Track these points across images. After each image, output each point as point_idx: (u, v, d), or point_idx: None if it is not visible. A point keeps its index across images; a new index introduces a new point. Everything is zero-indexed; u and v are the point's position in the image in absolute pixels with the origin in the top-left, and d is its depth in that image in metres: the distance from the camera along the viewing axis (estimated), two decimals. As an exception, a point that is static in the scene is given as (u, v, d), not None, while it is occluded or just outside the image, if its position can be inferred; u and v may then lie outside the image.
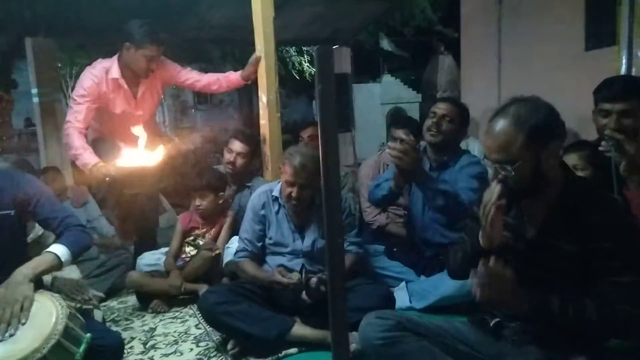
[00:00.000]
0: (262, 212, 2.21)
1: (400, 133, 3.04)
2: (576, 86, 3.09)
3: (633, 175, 1.88)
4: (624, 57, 2.91)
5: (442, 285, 2.19)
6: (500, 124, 1.33)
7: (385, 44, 9.19)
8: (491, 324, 1.49)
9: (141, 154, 2.60)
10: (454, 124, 2.44)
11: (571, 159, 2.08)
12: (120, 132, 2.92)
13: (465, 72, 4.07)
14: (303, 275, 2.01)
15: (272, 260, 2.20)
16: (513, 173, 1.31)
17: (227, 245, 2.65)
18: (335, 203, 0.79)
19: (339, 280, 0.82)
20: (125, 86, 2.86)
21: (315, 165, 2.02)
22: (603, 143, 1.86)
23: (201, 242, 2.73)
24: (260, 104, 2.65)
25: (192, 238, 2.76)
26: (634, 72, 2.89)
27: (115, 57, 2.85)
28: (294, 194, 2.08)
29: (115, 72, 2.81)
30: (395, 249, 2.63)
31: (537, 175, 1.33)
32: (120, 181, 2.72)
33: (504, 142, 1.32)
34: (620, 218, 1.32)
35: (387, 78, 9.49)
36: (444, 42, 8.77)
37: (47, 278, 1.85)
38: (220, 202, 2.77)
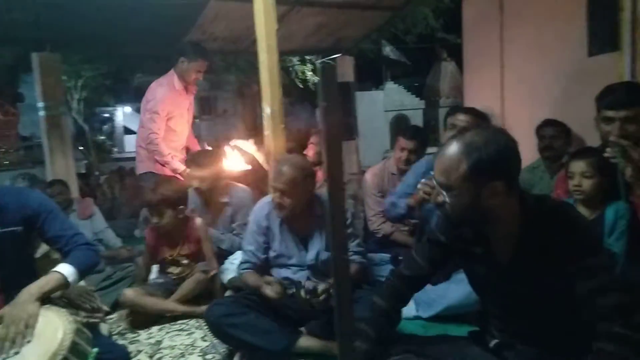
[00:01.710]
0: (265, 223, 2.20)
1: (408, 144, 3.04)
2: (579, 92, 3.09)
3: (639, 181, 1.87)
4: (627, 62, 2.90)
5: (449, 294, 2.18)
6: (450, 148, 1.27)
7: (388, 52, 9.24)
8: (491, 345, 1.48)
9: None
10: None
11: (578, 166, 2.08)
12: (175, 142, 3.43)
13: (468, 79, 4.07)
14: (300, 289, 1.96)
15: (277, 273, 2.19)
16: (447, 200, 1.27)
17: (231, 261, 2.65)
18: (340, 221, 0.79)
19: (346, 293, 0.82)
20: (185, 95, 3.39)
21: (298, 173, 2.03)
22: (608, 149, 1.85)
23: (183, 261, 2.64)
24: (264, 115, 2.66)
25: (170, 256, 2.65)
26: (637, 78, 2.88)
27: (172, 72, 3.39)
28: (275, 200, 2.09)
29: (178, 83, 3.37)
30: (400, 258, 2.62)
31: (476, 209, 1.26)
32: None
33: (447, 167, 1.26)
34: (587, 235, 1.28)
35: (390, 85, 9.52)
36: (447, 49, 8.81)
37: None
38: (181, 216, 2.59)
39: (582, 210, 2.10)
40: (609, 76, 2.93)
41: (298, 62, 9.68)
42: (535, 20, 3.38)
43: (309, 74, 9.72)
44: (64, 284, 1.62)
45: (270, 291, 1.98)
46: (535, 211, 1.30)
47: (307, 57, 9.32)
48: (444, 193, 1.28)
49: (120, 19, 3.93)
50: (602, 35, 3.01)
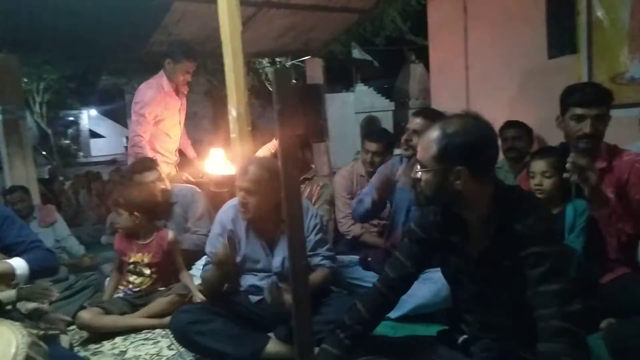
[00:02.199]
0: (230, 226, 2.15)
1: (373, 146, 3.07)
2: (541, 93, 3.18)
3: (596, 206, 1.93)
4: (584, 64, 3.01)
5: (417, 294, 2.19)
6: (431, 130, 1.37)
7: (357, 53, 9.30)
8: (459, 341, 1.50)
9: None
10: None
11: (538, 166, 2.12)
12: (168, 144, 3.44)
13: (434, 80, 4.14)
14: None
15: (243, 280, 2.15)
16: (419, 176, 1.37)
17: (198, 267, 2.60)
18: (297, 225, 0.78)
19: (305, 299, 0.81)
20: (176, 97, 3.35)
21: (264, 172, 1.99)
22: (567, 165, 1.85)
23: (146, 271, 2.56)
24: (230, 117, 2.63)
25: (133, 265, 2.58)
26: (594, 78, 2.98)
27: (161, 73, 3.35)
28: (239, 199, 2.05)
29: (167, 85, 3.33)
30: (369, 259, 2.63)
31: (445, 190, 1.34)
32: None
33: (423, 147, 1.38)
34: (543, 223, 1.31)
35: (360, 87, 9.57)
36: (415, 51, 8.92)
37: (9, 294, 1.77)
38: (137, 222, 2.54)
39: (543, 208, 2.15)
40: (569, 78, 3.03)
41: (268, 64, 9.63)
42: (497, 24, 3.46)
43: (279, 76, 9.67)
44: (10, 273, 1.55)
45: (218, 251, 1.94)
46: (506, 199, 1.37)
47: (278, 59, 9.29)
48: (420, 170, 1.37)
49: (83, 20, 3.82)
50: (561, 38, 3.11)
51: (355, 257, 2.68)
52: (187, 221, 3.00)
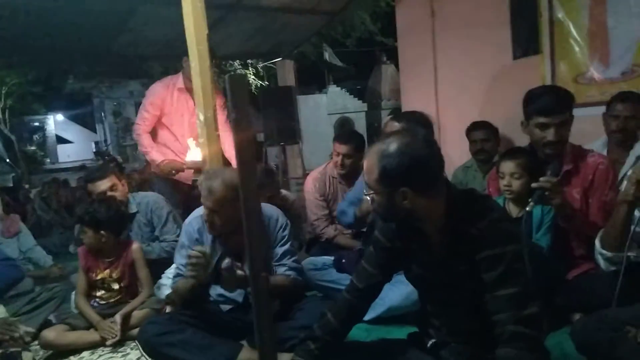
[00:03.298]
0: (197, 237, 2.10)
1: (343, 148, 3.05)
2: (507, 93, 3.24)
3: (562, 220, 1.98)
4: (547, 64, 3.08)
5: (389, 296, 2.19)
6: (370, 152, 1.37)
7: (328, 56, 9.33)
8: (428, 345, 1.51)
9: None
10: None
11: (507, 167, 2.14)
12: (173, 142, 3.44)
13: (404, 81, 4.17)
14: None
15: (213, 290, 2.11)
16: (369, 198, 1.38)
17: (168, 276, 2.54)
18: (257, 239, 0.76)
19: (266, 310, 0.79)
20: (188, 95, 3.33)
21: (228, 191, 1.91)
22: (534, 185, 1.89)
23: (114, 286, 2.48)
24: (197, 122, 2.58)
25: (99, 280, 2.47)
26: (557, 78, 3.06)
27: (180, 72, 3.41)
28: (205, 218, 2.00)
29: (180, 82, 3.37)
30: (344, 261, 2.62)
31: (395, 209, 1.35)
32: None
33: (367, 170, 1.38)
34: (496, 225, 1.31)
35: (332, 89, 9.60)
36: (386, 52, 9.01)
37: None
38: (103, 240, 2.43)
39: (512, 207, 2.19)
40: (534, 77, 3.11)
41: (240, 66, 9.57)
42: (464, 26, 3.52)
43: (251, 77, 9.64)
44: None
45: (194, 254, 1.86)
46: (459, 205, 1.37)
47: (249, 61, 9.24)
48: (368, 193, 1.38)
49: (45, 23, 3.71)
50: (525, 39, 3.18)
51: (329, 259, 2.66)
52: (155, 229, 2.92)
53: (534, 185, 1.90)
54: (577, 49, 2.96)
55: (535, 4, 3.08)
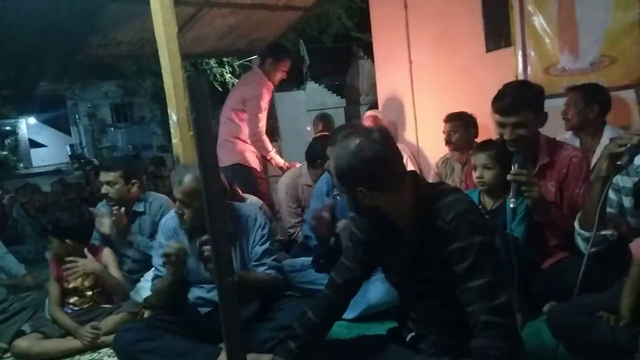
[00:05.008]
0: (174, 237, 2.07)
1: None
2: (481, 85, 3.27)
3: (537, 214, 2.00)
4: (519, 57, 3.12)
5: (369, 293, 2.19)
6: (330, 154, 1.41)
7: (302, 52, 9.30)
8: (407, 339, 1.51)
9: None
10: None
11: (479, 159, 2.16)
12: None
13: (380, 76, 4.18)
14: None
15: (191, 294, 2.08)
16: (343, 193, 1.44)
17: (147, 278, 2.49)
18: (222, 241, 0.74)
19: (233, 317, 0.77)
20: (269, 93, 3.65)
21: (197, 184, 1.89)
22: (509, 177, 1.91)
23: (88, 293, 2.42)
24: (170, 122, 2.54)
25: (72, 287, 2.42)
26: (529, 70, 3.10)
27: (259, 72, 3.72)
28: (176, 210, 1.99)
29: (265, 82, 3.64)
30: (322, 261, 2.61)
31: (362, 206, 1.39)
32: None
33: (333, 172, 1.40)
34: (463, 217, 1.31)
35: (311, 85, 9.55)
36: (362, 47, 9.01)
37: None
38: (70, 249, 2.37)
39: (487, 199, 2.21)
40: (506, 70, 3.14)
41: (216, 65, 9.46)
42: (437, 19, 3.53)
43: (228, 76, 9.54)
44: None
45: (171, 250, 1.86)
46: (427, 199, 1.38)
47: (225, 59, 9.14)
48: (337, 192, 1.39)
49: (13, 25, 3.60)
50: (497, 32, 3.21)
51: (308, 260, 2.65)
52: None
53: (509, 177, 1.92)
54: (547, 40, 3.00)
55: (506, -3, 3.11)
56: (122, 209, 2.70)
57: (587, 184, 2.03)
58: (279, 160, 3.73)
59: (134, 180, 2.75)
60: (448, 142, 3.22)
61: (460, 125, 3.16)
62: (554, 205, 2.05)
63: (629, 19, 2.63)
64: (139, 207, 2.80)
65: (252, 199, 3.14)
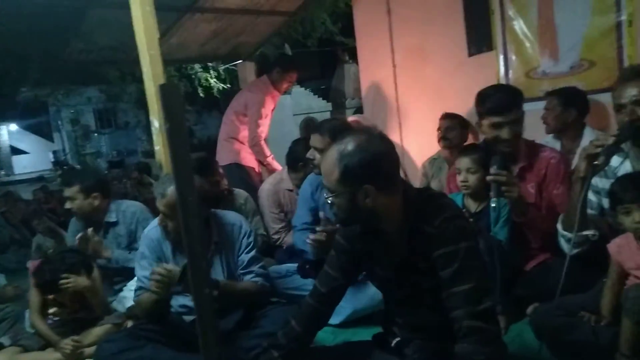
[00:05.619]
0: (158, 247, 2.05)
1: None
2: (464, 89, 3.29)
3: (517, 214, 2.03)
4: (501, 61, 3.15)
5: (354, 298, 2.19)
6: (328, 154, 1.35)
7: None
8: (393, 344, 1.51)
9: None
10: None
11: (463, 163, 2.18)
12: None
13: (364, 80, 4.19)
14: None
15: (175, 301, 2.05)
16: (331, 201, 1.35)
17: (130, 288, 2.46)
18: (198, 252, 0.73)
19: (211, 329, 0.76)
20: (272, 100, 3.83)
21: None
22: (489, 178, 1.94)
23: (69, 304, 2.34)
24: (152, 129, 2.51)
25: (52, 297, 2.34)
26: (510, 74, 3.13)
27: (266, 79, 3.89)
28: (159, 222, 1.98)
29: (271, 90, 3.84)
30: (307, 266, 2.60)
31: (357, 209, 1.33)
32: None
33: (326, 172, 1.35)
34: (449, 223, 1.32)
35: (297, 89, 9.56)
36: (348, 51, 9.05)
37: None
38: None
39: (470, 202, 2.22)
40: (488, 74, 3.17)
41: (201, 70, 9.41)
42: (420, 23, 3.56)
43: (213, 80, 9.50)
44: None
45: (161, 272, 1.81)
46: (415, 204, 1.38)
47: (210, 65, 9.10)
48: (329, 195, 1.35)
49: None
50: (478, 36, 3.24)
51: (293, 266, 2.63)
52: (136, 240, 2.74)
53: (488, 178, 1.94)
54: (528, 44, 3.04)
55: (487, 2, 3.15)
56: (91, 229, 2.60)
57: (566, 185, 2.06)
58: (276, 165, 3.81)
59: (94, 194, 2.67)
60: (443, 138, 3.23)
61: (457, 124, 3.20)
62: (533, 206, 2.07)
63: (606, 24, 2.68)
64: (111, 217, 2.73)
65: (239, 191, 3.16)
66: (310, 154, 2.43)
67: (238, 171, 3.81)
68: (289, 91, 10.00)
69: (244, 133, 3.87)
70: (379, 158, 1.31)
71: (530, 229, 2.09)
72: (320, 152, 2.38)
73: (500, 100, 2.05)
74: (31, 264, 2.45)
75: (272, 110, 4.05)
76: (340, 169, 1.31)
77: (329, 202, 1.37)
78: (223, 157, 3.86)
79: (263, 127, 3.84)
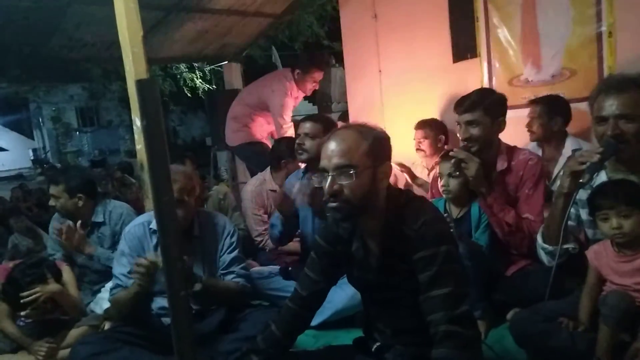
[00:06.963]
0: (139, 244, 2.01)
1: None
2: (449, 95, 3.33)
3: (479, 195, 2.09)
4: (484, 68, 3.19)
5: (334, 299, 2.17)
6: (344, 134, 1.35)
7: (274, 58, 9.31)
8: (373, 349, 1.50)
9: None
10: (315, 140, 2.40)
11: (444, 168, 2.18)
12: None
13: (350, 84, 4.19)
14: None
15: (154, 303, 2.01)
16: (347, 183, 1.30)
17: (107, 289, 2.40)
18: (174, 252, 0.71)
19: (186, 332, 0.74)
20: (293, 99, 3.89)
21: (186, 181, 1.92)
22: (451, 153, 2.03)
23: (42, 305, 2.25)
24: (134, 128, 2.46)
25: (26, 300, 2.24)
26: (494, 81, 3.17)
27: (290, 79, 3.85)
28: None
29: (295, 91, 3.88)
30: (290, 269, 2.58)
31: (373, 191, 1.34)
32: None
33: (348, 148, 1.31)
34: (429, 226, 1.31)
35: (282, 92, 9.56)
36: (335, 55, 9.07)
37: None
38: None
39: (452, 207, 2.24)
40: (473, 80, 3.20)
41: (186, 70, 9.34)
42: (405, 29, 3.57)
43: (198, 81, 9.43)
44: None
45: (144, 262, 1.80)
46: (396, 204, 1.38)
47: (195, 65, 9.04)
48: (349, 172, 1.29)
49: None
50: (463, 43, 3.27)
51: (276, 267, 2.62)
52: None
53: (451, 154, 2.06)
54: (511, 52, 3.08)
55: (472, 9, 3.18)
56: (79, 222, 2.58)
57: (540, 187, 2.11)
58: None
59: (79, 194, 2.64)
60: (418, 149, 3.25)
61: (430, 132, 3.20)
62: (515, 211, 2.09)
63: (587, 33, 2.73)
64: (98, 217, 2.70)
65: (218, 187, 3.13)
66: (301, 139, 2.42)
67: (250, 147, 4.00)
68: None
69: (258, 121, 4.02)
70: (386, 141, 1.38)
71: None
72: (312, 139, 2.39)
73: (461, 100, 2.14)
74: (3, 266, 2.38)
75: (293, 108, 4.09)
76: (369, 141, 1.32)
77: (345, 182, 1.29)
78: (234, 139, 4.09)
79: (286, 127, 3.87)
